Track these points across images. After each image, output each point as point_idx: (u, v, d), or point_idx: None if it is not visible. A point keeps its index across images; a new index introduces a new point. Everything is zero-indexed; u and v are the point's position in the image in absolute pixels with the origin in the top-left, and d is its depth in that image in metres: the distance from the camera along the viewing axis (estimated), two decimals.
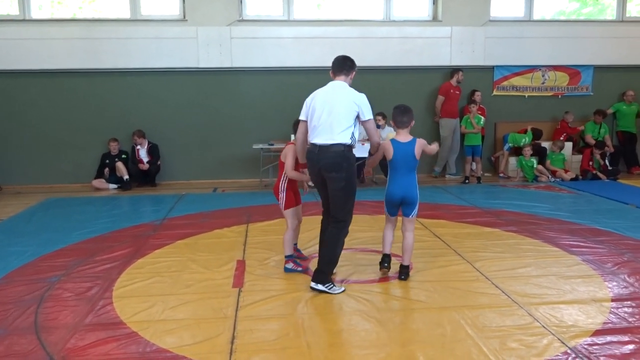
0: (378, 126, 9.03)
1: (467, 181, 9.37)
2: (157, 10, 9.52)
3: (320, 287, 4.17)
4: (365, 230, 5.91)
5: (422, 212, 6.73)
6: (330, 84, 4.33)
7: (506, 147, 9.88)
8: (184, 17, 9.42)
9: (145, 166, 9.25)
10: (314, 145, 4.21)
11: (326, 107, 4.16)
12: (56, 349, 3.30)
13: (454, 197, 7.92)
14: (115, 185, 9.10)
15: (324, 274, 4.22)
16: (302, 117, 4.35)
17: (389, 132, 9.25)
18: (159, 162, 9.42)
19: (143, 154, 9.31)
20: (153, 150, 9.34)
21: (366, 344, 3.35)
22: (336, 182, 4.15)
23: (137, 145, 9.28)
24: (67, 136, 9.41)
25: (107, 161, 9.22)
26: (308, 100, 4.33)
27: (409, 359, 3.14)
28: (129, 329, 3.58)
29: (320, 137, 4.16)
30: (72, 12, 9.56)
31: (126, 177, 9.06)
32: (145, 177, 9.36)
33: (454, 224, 6.29)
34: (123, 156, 9.25)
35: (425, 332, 3.52)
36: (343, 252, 4.37)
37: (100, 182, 9.13)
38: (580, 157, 9.86)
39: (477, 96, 9.79)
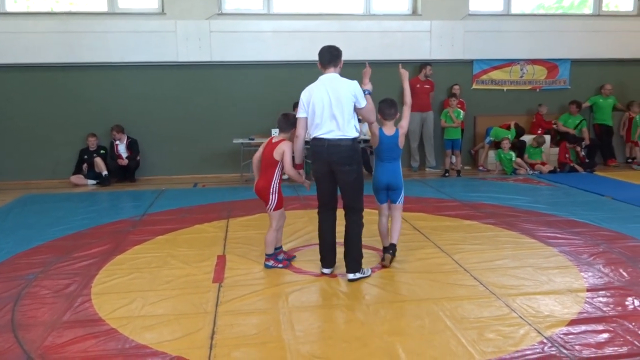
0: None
1: (447, 174, 9.45)
2: (135, 4, 9.41)
3: (358, 275, 4.30)
4: None
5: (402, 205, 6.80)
6: (324, 77, 4.31)
7: (487, 140, 9.97)
8: (163, 10, 9.32)
9: (125, 161, 9.16)
10: (320, 140, 4.23)
11: (326, 102, 4.18)
12: (34, 346, 3.26)
13: (434, 190, 7.98)
14: (93, 181, 9.00)
15: (357, 262, 4.32)
16: (301, 115, 4.32)
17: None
18: (138, 158, 9.33)
19: (122, 149, 9.22)
20: (132, 146, 9.25)
21: (346, 337, 3.36)
22: (349, 174, 4.24)
23: (115, 141, 9.18)
24: (45, 131, 9.26)
25: (86, 157, 9.10)
26: (305, 96, 4.32)
27: (388, 351, 3.16)
28: (108, 325, 3.55)
29: (328, 132, 4.20)
30: (48, 5, 9.40)
31: (105, 172, 8.96)
32: (124, 173, 9.27)
33: (434, 216, 6.34)
34: (102, 151, 9.14)
35: (405, 324, 3.55)
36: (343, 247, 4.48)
37: (78, 178, 9.01)
38: (558, 149, 10.00)
39: (456, 90, 9.87)
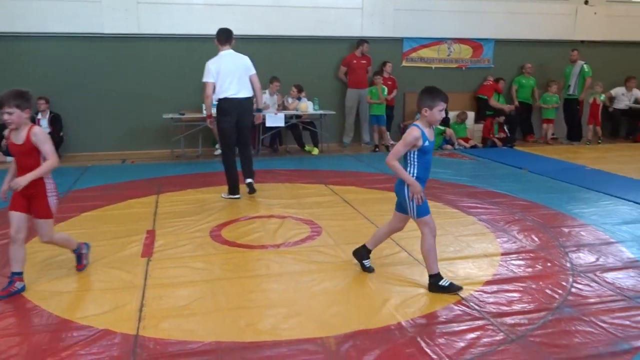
0: (299, 98, 9.19)
1: (376, 149, 9.68)
2: None
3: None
4: (283, 197, 6.01)
5: (333, 180, 6.96)
6: (229, 52, 5.91)
7: (417, 116, 10.23)
8: None
9: None
10: (231, 99, 5.76)
11: (238, 70, 5.83)
12: None
13: (365, 165, 8.18)
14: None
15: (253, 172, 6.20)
16: (210, 80, 5.79)
17: (301, 104, 9.33)
18: (61, 134, 8.94)
19: (44, 124, 8.79)
20: (55, 121, 8.85)
21: (275, 305, 3.45)
22: (249, 122, 6.09)
23: (38, 114, 8.75)
24: None
25: (4, 132, 8.61)
26: (214, 67, 5.80)
27: (319, 315, 3.27)
28: (31, 302, 3.46)
29: (237, 93, 5.78)
30: None
31: None
32: None
33: (364, 189, 6.51)
34: None
35: (330, 287, 3.67)
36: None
37: None
38: (480, 126, 10.46)
39: (388, 67, 10.06)
